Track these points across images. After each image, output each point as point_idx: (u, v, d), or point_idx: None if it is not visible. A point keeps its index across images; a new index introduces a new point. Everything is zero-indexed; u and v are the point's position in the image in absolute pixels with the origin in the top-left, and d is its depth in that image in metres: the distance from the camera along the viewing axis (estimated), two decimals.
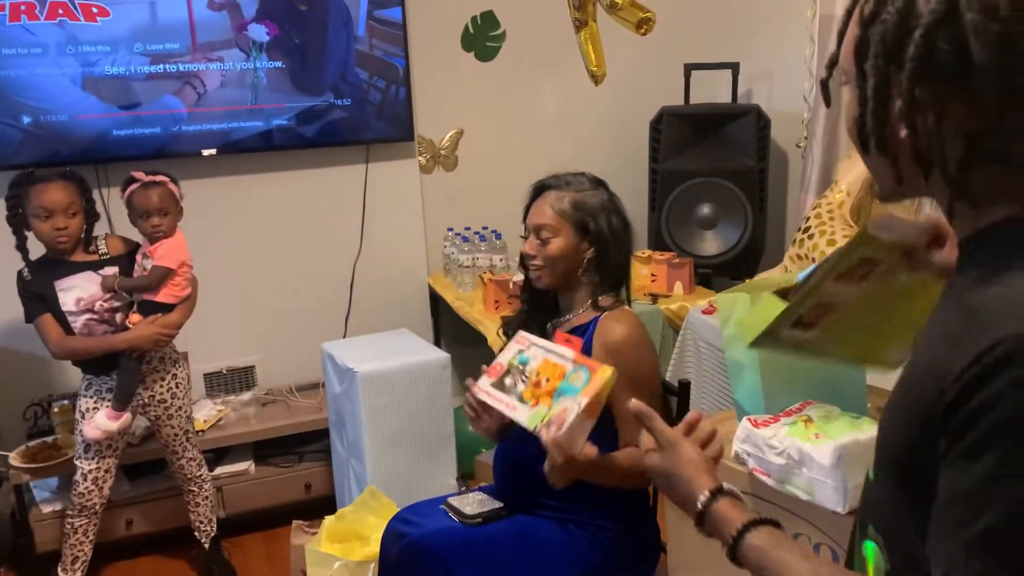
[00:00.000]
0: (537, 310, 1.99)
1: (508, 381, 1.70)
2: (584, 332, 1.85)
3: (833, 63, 0.86)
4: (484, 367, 1.78)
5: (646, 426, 1.09)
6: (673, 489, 1.04)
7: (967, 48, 0.70)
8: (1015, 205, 0.76)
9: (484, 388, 1.73)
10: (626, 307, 1.90)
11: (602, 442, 1.69)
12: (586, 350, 1.82)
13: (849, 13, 0.83)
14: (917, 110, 0.75)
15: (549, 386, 1.61)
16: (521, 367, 1.69)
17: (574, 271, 1.88)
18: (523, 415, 1.62)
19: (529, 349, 1.71)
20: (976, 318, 0.73)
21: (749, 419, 1.56)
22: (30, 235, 2.45)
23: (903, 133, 0.76)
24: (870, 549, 0.90)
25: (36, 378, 3.04)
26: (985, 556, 0.70)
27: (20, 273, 2.47)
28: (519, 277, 2.41)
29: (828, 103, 1.00)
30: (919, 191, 0.83)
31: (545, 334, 1.95)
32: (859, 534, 0.94)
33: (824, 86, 0.94)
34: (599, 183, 1.96)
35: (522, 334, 1.76)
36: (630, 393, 1.76)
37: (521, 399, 1.65)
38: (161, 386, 2.60)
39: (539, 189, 1.94)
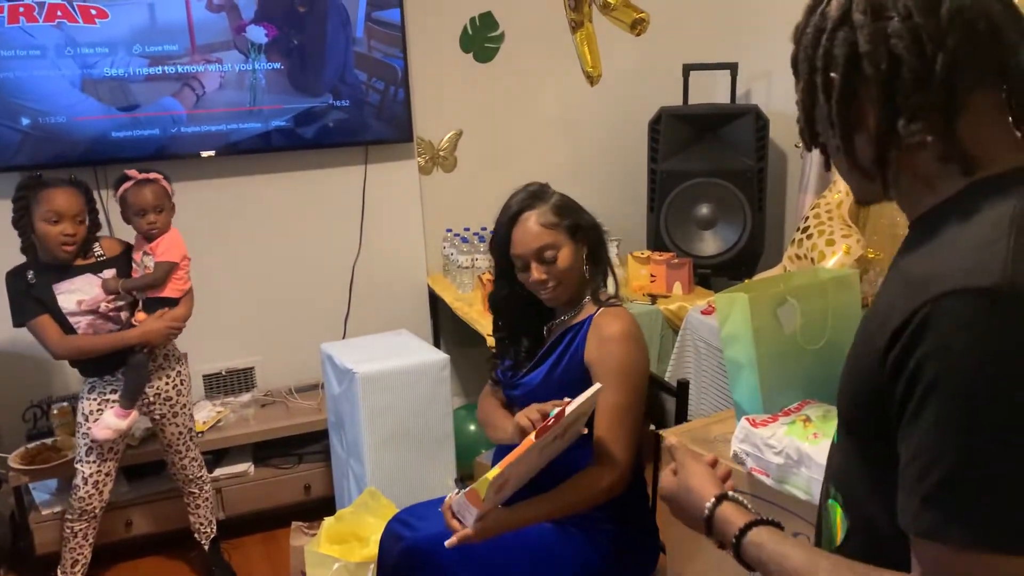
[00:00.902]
0: (526, 320, 1.98)
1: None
2: (580, 330, 1.85)
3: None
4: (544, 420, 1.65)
5: (673, 456, 1.13)
6: (683, 507, 1.07)
7: (856, 42, 0.83)
8: (950, 183, 0.84)
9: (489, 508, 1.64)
10: (623, 307, 1.91)
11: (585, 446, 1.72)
12: (579, 348, 1.84)
13: (793, 36, 0.96)
14: (829, 103, 0.86)
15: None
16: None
17: (582, 274, 1.89)
18: (479, 480, 1.57)
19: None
20: (909, 286, 0.80)
21: (748, 419, 1.56)
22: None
23: (829, 128, 0.88)
24: (835, 508, 0.96)
25: (35, 380, 3.04)
26: (938, 508, 0.75)
27: (21, 275, 2.45)
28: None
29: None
30: (875, 187, 0.91)
31: (542, 339, 1.95)
32: (824, 495, 1.01)
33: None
34: (545, 186, 1.94)
35: (495, 481, 1.58)
36: (615, 387, 1.77)
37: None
38: (167, 383, 2.61)
39: (514, 216, 1.86)
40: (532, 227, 1.83)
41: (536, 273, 1.83)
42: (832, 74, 0.85)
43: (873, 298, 0.93)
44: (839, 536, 0.96)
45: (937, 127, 0.81)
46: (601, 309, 1.86)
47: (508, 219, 1.87)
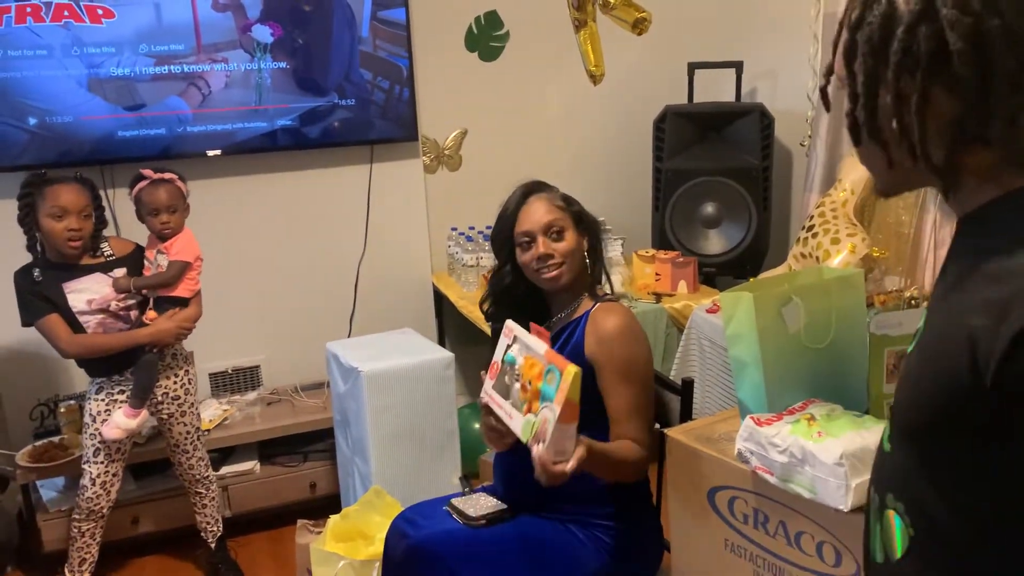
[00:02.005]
0: (524, 317, 1.97)
1: (506, 380, 1.63)
2: (577, 325, 1.86)
3: (830, 71, 0.93)
4: (482, 373, 1.74)
5: None
6: None
7: (944, 40, 0.78)
8: (1015, 179, 0.81)
9: (489, 394, 1.67)
10: (619, 301, 1.94)
11: (596, 436, 1.70)
12: (578, 342, 1.84)
13: (842, 23, 0.90)
14: (903, 100, 0.82)
15: (533, 388, 1.51)
16: (510, 367, 1.62)
17: (584, 264, 1.92)
18: (518, 425, 1.53)
19: (514, 345, 1.63)
20: (1015, 283, 0.75)
21: (752, 417, 1.56)
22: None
23: (893, 124, 0.83)
24: (894, 518, 0.92)
25: (42, 378, 3.06)
26: None
27: (28, 273, 2.46)
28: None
29: (828, 108, 1.06)
30: (911, 179, 0.89)
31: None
32: (877, 504, 0.96)
33: (823, 92, 1.00)
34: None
35: (509, 325, 1.67)
36: (622, 384, 1.78)
37: (518, 404, 1.56)
38: (174, 382, 2.62)
39: (522, 197, 1.92)
40: (541, 205, 1.89)
41: (543, 247, 1.86)
42: (910, 71, 0.81)
43: (935, 298, 0.88)
44: (899, 547, 0.92)
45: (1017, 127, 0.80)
46: (598, 304, 1.88)
47: (516, 200, 1.92)
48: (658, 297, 3.06)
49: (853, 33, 0.85)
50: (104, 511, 2.59)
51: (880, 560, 0.97)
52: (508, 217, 1.93)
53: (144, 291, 2.54)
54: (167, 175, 2.50)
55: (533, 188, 1.94)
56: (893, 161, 0.87)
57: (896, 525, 0.92)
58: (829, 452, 1.39)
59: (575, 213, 1.91)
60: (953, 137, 0.81)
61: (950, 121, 0.81)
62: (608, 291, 1.99)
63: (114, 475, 2.58)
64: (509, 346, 1.64)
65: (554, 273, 1.88)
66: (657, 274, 3.13)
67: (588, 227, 1.93)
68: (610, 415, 1.80)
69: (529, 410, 1.51)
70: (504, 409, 1.60)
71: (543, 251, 1.86)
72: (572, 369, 1.43)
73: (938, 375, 0.82)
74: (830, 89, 1.00)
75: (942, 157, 0.82)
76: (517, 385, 1.57)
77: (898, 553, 0.92)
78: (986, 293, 0.77)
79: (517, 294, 1.96)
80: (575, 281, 1.92)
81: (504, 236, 1.93)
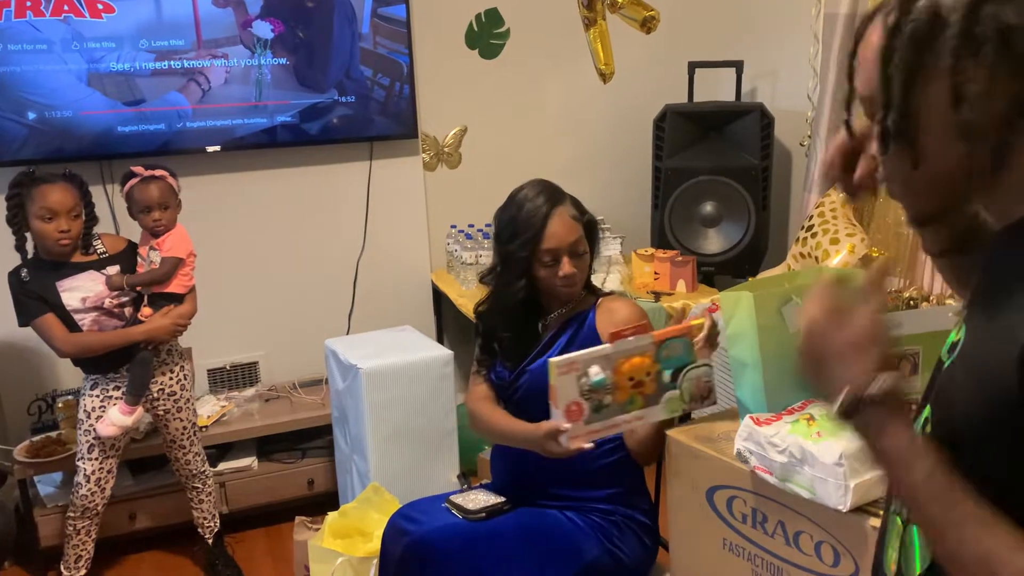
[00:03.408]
0: (519, 316, 1.96)
1: (604, 401, 1.63)
2: (584, 319, 1.87)
3: (849, 102, 0.90)
4: (561, 425, 1.63)
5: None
6: (832, 356, 0.87)
7: (1004, 20, 0.75)
8: None
9: (584, 431, 1.63)
10: (617, 294, 1.97)
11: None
12: (591, 331, 1.85)
13: (852, 53, 0.88)
14: (964, 82, 0.77)
15: (651, 379, 1.65)
16: (601, 387, 1.62)
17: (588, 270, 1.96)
18: (659, 411, 1.67)
19: (590, 369, 1.61)
20: None
21: (751, 417, 1.57)
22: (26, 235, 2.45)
23: (945, 117, 0.79)
24: (916, 533, 0.89)
25: (40, 374, 3.05)
26: None
27: (16, 274, 2.45)
28: None
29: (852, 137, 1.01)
30: (946, 192, 0.84)
31: (538, 334, 1.96)
32: (905, 517, 0.92)
33: (848, 126, 0.95)
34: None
35: (562, 361, 1.61)
36: None
37: (633, 402, 1.65)
38: (171, 378, 2.62)
39: (548, 214, 1.85)
40: (567, 221, 1.86)
41: (567, 267, 1.85)
42: (972, 55, 0.77)
43: (976, 312, 0.85)
44: (918, 564, 0.89)
45: None
46: (603, 296, 1.94)
47: (543, 214, 1.84)
48: (657, 296, 3.06)
49: (891, 39, 0.81)
50: (98, 508, 2.58)
51: (891, 574, 0.94)
52: (532, 231, 1.84)
53: (138, 288, 2.53)
54: (158, 172, 2.49)
55: (556, 199, 1.87)
56: (920, 156, 0.82)
57: (917, 541, 0.89)
58: (828, 452, 1.39)
59: (587, 224, 1.92)
60: (1009, 124, 0.77)
61: (1007, 106, 0.77)
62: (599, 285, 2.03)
63: (108, 471, 2.58)
64: (582, 376, 1.61)
65: (573, 291, 1.91)
66: (656, 273, 3.13)
67: (591, 231, 1.94)
68: None
69: (647, 394, 1.66)
70: (623, 423, 1.66)
71: (569, 271, 1.85)
72: (699, 319, 1.72)
73: (985, 391, 0.78)
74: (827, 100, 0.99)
75: (996, 143, 0.78)
76: (609, 397, 1.63)
77: (917, 570, 0.89)
78: None
79: (519, 301, 1.93)
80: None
81: (526, 251, 1.85)
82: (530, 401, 1.89)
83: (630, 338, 1.64)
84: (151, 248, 2.54)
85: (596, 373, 1.61)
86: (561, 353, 1.86)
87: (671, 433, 1.75)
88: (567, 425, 1.60)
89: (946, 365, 0.87)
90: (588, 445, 1.64)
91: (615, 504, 1.89)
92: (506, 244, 1.90)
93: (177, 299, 2.57)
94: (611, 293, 1.98)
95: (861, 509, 1.39)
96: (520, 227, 1.86)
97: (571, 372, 1.60)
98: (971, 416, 0.81)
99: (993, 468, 0.78)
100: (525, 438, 1.79)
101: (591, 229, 1.94)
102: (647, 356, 1.65)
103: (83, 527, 2.58)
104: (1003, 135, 0.78)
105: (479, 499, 1.96)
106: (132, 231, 2.69)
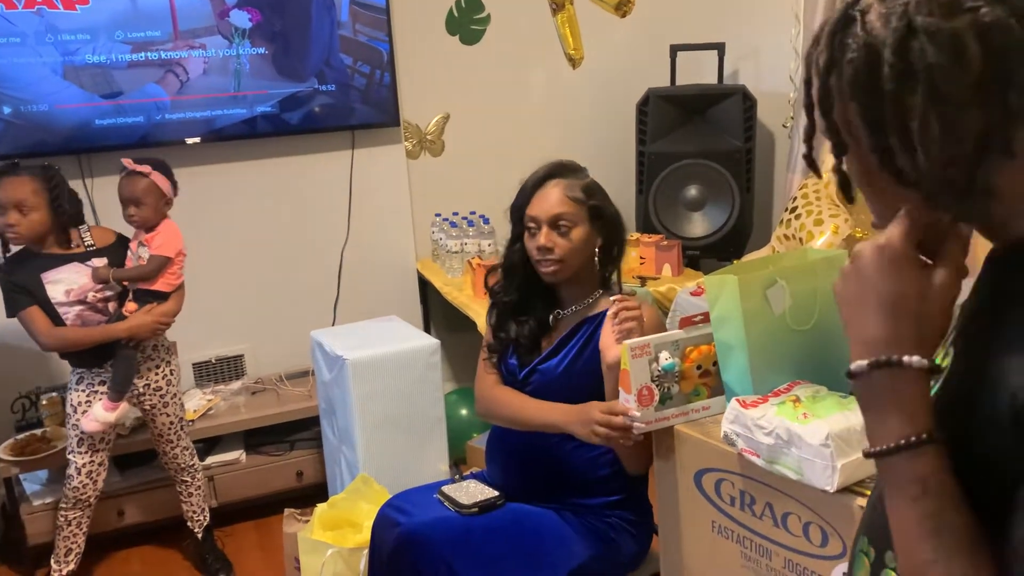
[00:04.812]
0: (533, 305, 1.94)
1: (665, 392, 1.63)
2: (598, 323, 1.84)
3: (809, 136, 0.84)
4: (630, 409, 1.63)
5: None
6: (868, 313, 0.76)
7: (943, 49, 0.68)
8: None
9: (653, 418, 1.63)
10: (637, 295, 1.90)
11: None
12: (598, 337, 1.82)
13: (807, 81, 0.80)
14: (907, 121, 0.71)
15: (718, 369, 1.65)
16: (669, 373, 1.62)
17: (590, 261, 1.86)
18: (722, 405, 1.63)
19: (660, 355, 1.62)
20: None
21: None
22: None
23: (909, 160, 0.72)
24: (863, 559, 0.85)
25: (24, 371, 3.02)
26: None
27: (2, 267, 2.44)
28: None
29: (818, 174, 0.96)
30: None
31: (548, 325, 1.94)
32: (873, 559, 0.86)
33: (809, 160, 0.89)
34: (583, 169, 1.93)
35: (634, 344, 1.60)
36: None
37: (692, 396, 1.65)
38: (157, 374, 2.60)
39: (542, 179, 1.85)
40: (556, 193, 1.82)
41: (543, 238, 1.80)
42: (916, 94, 0.69)
43: (967, 338, 0.78)
44: None
45: None
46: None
47: (536, 180, 1.85)
48: (643, 281, 3.06)
49: (826, 78, 0.75)
50: (91, 500, 2.58)
51: None
52: (524, 195, 1.87)
53: (124, 283, 2.51)
54: (142, 168, 2.46)
55: (555, 171, 1.86)
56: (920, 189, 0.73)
57: (865, 569, 0.84)
58: (815, 433, 1.40)
59: (592, 208, 1.83)
60: (976, 155, 0.69)
61: (973, 131, 0.69)
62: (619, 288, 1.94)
63: (99, 464, 2.57)
64: (652, 362, 1.62)
65: (551, 268, 1.83)
66: (641, 258, 3.13)
67: (605, 225, 1.85)
68: None
69: (712, 385, 1.67)
70: (690, 411, 1.65)
71: (543, 243, 1.81)
72: None
73: (969, 417, 0.72)
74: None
75: (963, 177, 0.70)
76: (676, 386, 1.64)
77: None
78: None
79: (527, 273, 1.91)
80: (579, 277, 1.88)
81: (518, 214, 1.88)
82: (540, 399, 1.89)
83: (700, 325, 1.64)
84: (140, 243, 2.52)
85: (666, 358, 1.63)
86: (574, 360, 1.85)
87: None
88: (636, 412, 1.61)
89: (933, 391, 0.77)
90: (638, 436, 1.64)
91: (613, 510, 1.88)
92: (510, 207, 1.92)
93: (163, 297, 2.54)
94: (633, 293, 1.87)
95: (848, 489, 1.39)
96: (519, 192, 1.89)
97: (643, 355, 1.61)
98: (955, 452, 0.73)
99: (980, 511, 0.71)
100: (565, 419, 1.76)
101: (598, 216, 1.83)
102: (714, 345, 1.63)
103: (74, 518, 2.57)
104: (969, 172, 0.70)
105: (472, 491, 1.95)
106: (114, 224, 2.66)
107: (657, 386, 1.62)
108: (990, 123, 0.68)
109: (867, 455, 0.76)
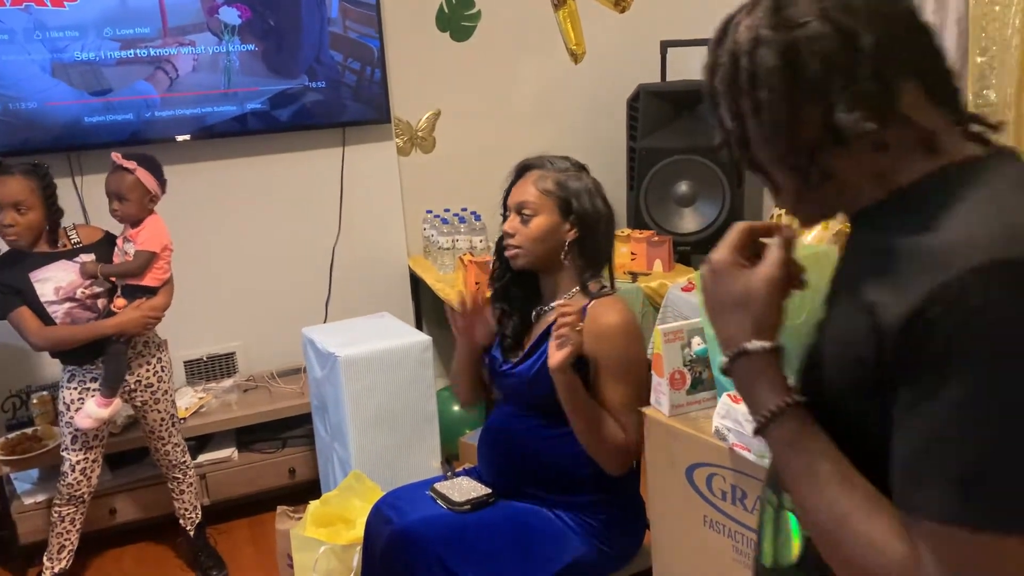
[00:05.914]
0: (517, 296, 1.98)
1: (697, 377, 1.67)
2: None
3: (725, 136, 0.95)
4: (666, 387, 1.68)
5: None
6: (724, 308, 0.93)
7: (783, 54, 0.82)
8: (902, 173, 0.83)
9: (685, 401, 1.67)
10: (616, 295, 1.89)
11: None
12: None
13: (710, 85, 0.94)
14: (760, 115, 0.85)
15: None
16: (701, 359, 1.65)
17: (555, 253, 1.86)
18: None
19: (692, 339, 1.65)
20: (916, 261, 0.75)
21: (729, 395, 1.58)
22: None
23: (769, 150, 0.87)
24: (791, 518, 0.91)
25: (14, 369, 3.01)
26: (972, 491, 0.69)
27: None
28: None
29: (741, 179, 1.09)
30: (816, 203, 0.90)
31: (530, 321, 1.95)
32: (775, 504, 0.95)
33: (724, 148, 1.00)
34: (582, 167, 1.96)
35: (667, 329, 1.65)
36: (619, 383, 1.78)
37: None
38: (147, 370, 2.60)
39: (522, 169, 1.93)
40: (527, 184, 1.88)
41: (509, 224, 1.88)
42: (762, 92, 0.84)
43: (834, 286, 0.90)
44: (796, 549, 0.90)
45: (880, 114, 0.80)
46: (593, 301, 1.83)
47: (518, 169, 1.94)
48: (634, 276, 3.07)
49: (711, 80, 0.90)
50: (85, 496, 2.58)
51: (769, 564, 0.95)
52: (509, 184, 1.95)
53: (112, 279, 2.51)
54: (128, 164, 2.45)
55: (533, 163, 1.93)
56: (779, 187, 0.90)
57: (793, 526, 0.90)
58: None
59: (561, 200, 1.84)
60: (819, 139, 0.83)
61: (813, 125, 0.82)
62: (606, 284, 1.93)
63: (94, 461, 2.57)
64: (684, 347, 1.66)
65: (510, 253, 1.89)
66: (632, 253, 3.14)
67: (579, 219, 1.84)
68: (607, 411, 1.81)
69: None
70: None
71: (505, 228, 1.89)
72: None
73: (841, 357, 0.82)
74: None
75: (807, 162, 0.84)
76: (707, 373, 1.67)
77: (793, 557, 0.90)
78: (882, 273, 0.78)
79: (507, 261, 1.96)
80: (553, 270, 1.89)
81: (503, 203, 1.96)
82: (512, 398, 1.95)
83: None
84: (126, 239, 2.51)
85: (698, 343, 1.65)
86: (545, 361, 1.84)
87: (649, 412, 1.76)
88: (674, 391, 1.67)
89: (812, 344, 0.90)
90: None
91: (604, 506, 1.88)
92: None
93: (151, 292, 2.54)
94: (608, 294, 1.86)
95: None
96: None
97: (676, 340, 1.65)
98: (833, 394, 0.83)
99: (859, 443, 0.80)
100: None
101: (568, 209, 1.84)
102: None
103: (68, 514, 2.56)
104: (818, 155, 0.84)
105: (464, 489, 1.95)
106: (104, 222, 2.65)
107: (689, 371, 1.66)
108: (823, 116, 0.81)
109: (754, 434, 0.88)
